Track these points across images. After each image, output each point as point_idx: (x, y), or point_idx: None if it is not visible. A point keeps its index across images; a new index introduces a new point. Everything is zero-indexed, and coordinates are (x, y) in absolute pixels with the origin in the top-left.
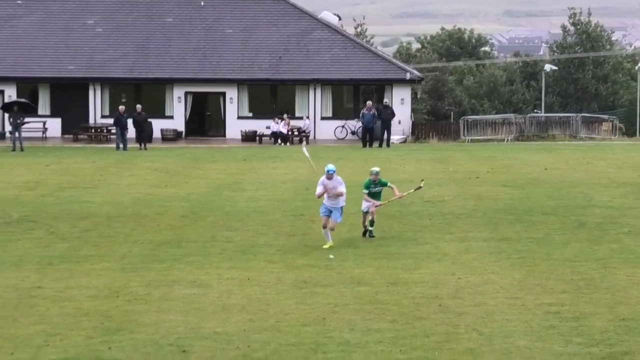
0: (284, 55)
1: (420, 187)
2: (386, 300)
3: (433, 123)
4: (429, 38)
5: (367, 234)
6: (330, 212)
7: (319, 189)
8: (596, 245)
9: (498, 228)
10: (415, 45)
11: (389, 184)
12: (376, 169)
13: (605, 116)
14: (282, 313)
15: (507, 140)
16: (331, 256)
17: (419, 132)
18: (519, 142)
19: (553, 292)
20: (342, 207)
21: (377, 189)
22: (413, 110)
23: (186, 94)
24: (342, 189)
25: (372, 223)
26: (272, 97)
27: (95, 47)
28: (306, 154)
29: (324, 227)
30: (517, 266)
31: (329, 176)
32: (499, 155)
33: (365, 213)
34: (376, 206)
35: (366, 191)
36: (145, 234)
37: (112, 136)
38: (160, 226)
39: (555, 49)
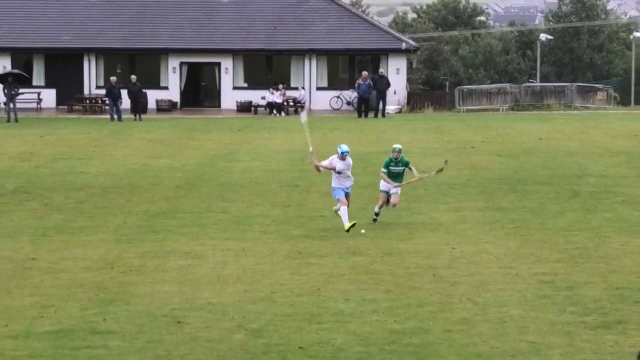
0: (279, 25)
1: (442, 170)
2: (381, 271)
3: (428, 93)
4: (424, 7)
5: (376, 221)
6: (344, 192)
7: (325, 163)
8: (590, 215)
9: (492, 198)
10: (411, 15)
11: (410, 164)
12: (398, 145)
13: (600, 85)
14: (277, 284)
15: (502, 109)
16: (363, 231)
17: (414, 102)
18: (514, 112)
19: (547, 262)
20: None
21: (398, 168)
22: (408, 80)
23: (181, 64)
24: (349, 172)
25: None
26: (267, 67)
27: (90, 17)
28: (304, 119)
29: (347, 205)
30: (512, 236)
31: (343, 157)
32: (494, 125)
33: (384, 193)
34: (395, 186)
35: (385, 170)
36: (140, 205)
37: (106, 107)
38: (155, 197)
39: (550, 18)
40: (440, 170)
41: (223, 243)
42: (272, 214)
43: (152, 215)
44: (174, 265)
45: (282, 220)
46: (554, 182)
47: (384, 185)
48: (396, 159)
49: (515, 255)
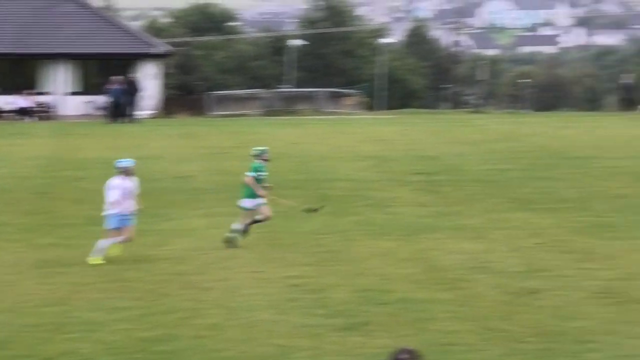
0: (30, 28)
1: (313, 210)
2: (132, 278)
3: (183, 98)
4: (177, 12)
5: (230, 242)
6: (128, 219)
7: (117, 194)
8: (339, 218)
9: None
10: (165, 20)
11: None
12: (264, 147)
13: (350, 91)
14: (22, 294)
15: (255, 115)
16: None
17: (168, 107)
18: (266, 117)
19: (296, 265)
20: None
21: (265, 174)
22: (162, 85)
23: None
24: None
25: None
26: (16, 71)
27: None
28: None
29: (128, 240)
30: (262, 240)
31: (129, 172)
32: (247, 130)
33: (251, 210)
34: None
35: (254, 174)
36: None
37: None
38: None
39: (304, 24)
40: (311, 210)
41: None
42: (19, 222)
43: None
44: None
45: (28, 228)
46: (306, 186)
47: (249, 202)
48: (266, 160)
49: (266, 260)
